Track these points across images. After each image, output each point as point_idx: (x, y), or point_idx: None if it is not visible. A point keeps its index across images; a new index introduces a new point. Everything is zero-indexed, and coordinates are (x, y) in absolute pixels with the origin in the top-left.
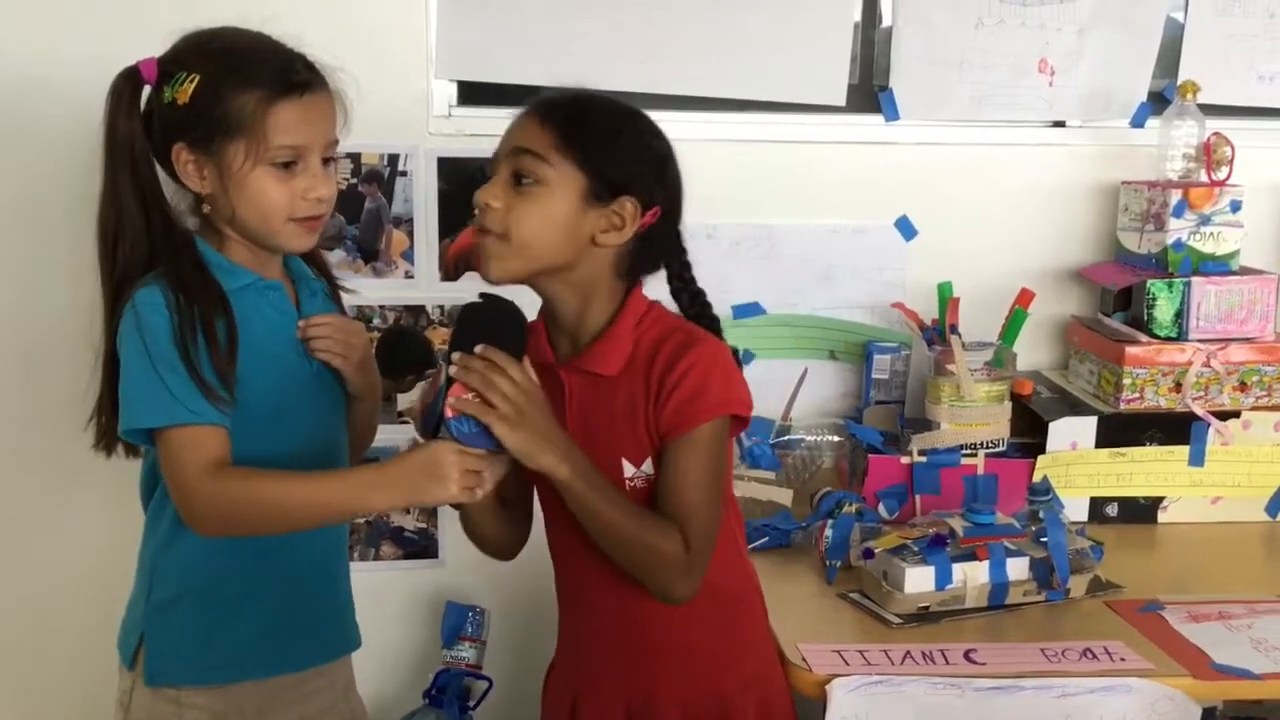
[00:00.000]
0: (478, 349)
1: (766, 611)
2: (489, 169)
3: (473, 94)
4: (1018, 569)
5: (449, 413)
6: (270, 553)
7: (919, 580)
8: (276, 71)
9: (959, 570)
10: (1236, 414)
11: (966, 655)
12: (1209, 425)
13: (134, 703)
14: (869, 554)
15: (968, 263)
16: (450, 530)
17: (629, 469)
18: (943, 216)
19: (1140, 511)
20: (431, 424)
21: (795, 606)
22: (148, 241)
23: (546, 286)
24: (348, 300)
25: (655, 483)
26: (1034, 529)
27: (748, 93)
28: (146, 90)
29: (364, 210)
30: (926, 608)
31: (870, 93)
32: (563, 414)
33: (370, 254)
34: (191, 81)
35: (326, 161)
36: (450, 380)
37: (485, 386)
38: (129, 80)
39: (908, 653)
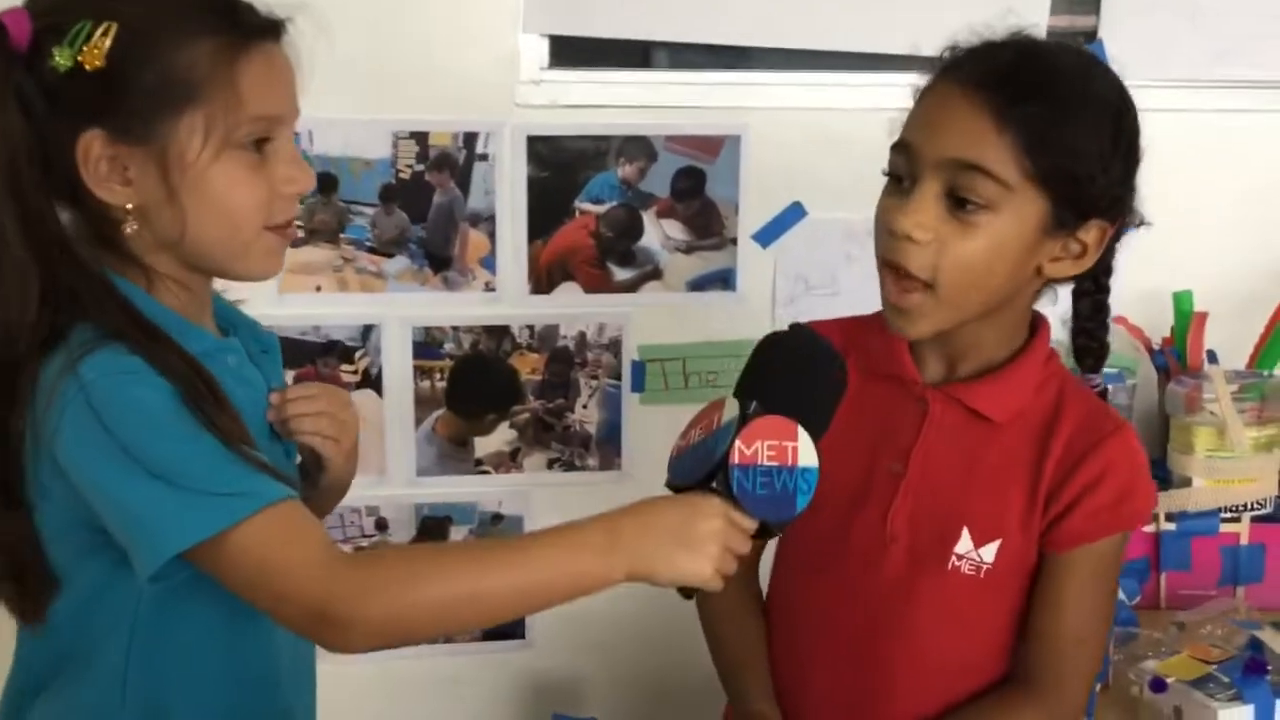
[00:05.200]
0: None
1: None
2: (894, 166)
3: (563, 52)
4: None
5: (735, 457)
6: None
7: None
8: (229, 11)
9: None
10: None
11: None
12: None
13: None
14: (1159, 685)
15: (1194, 263)
16: None
17: (965, 543)
18: (1161, 204)
19: None
20: (700, 471)
21: None
22: (40, 292)
23: None
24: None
25: (997, 584)
26: None
27: (902, 46)
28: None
29: (432, 205)
30: None
31: None
32: (912, 444)
33: (441, 261)
34: (105, 34)
35: None
36: (746, 419)
37: None
38: None
39: None
